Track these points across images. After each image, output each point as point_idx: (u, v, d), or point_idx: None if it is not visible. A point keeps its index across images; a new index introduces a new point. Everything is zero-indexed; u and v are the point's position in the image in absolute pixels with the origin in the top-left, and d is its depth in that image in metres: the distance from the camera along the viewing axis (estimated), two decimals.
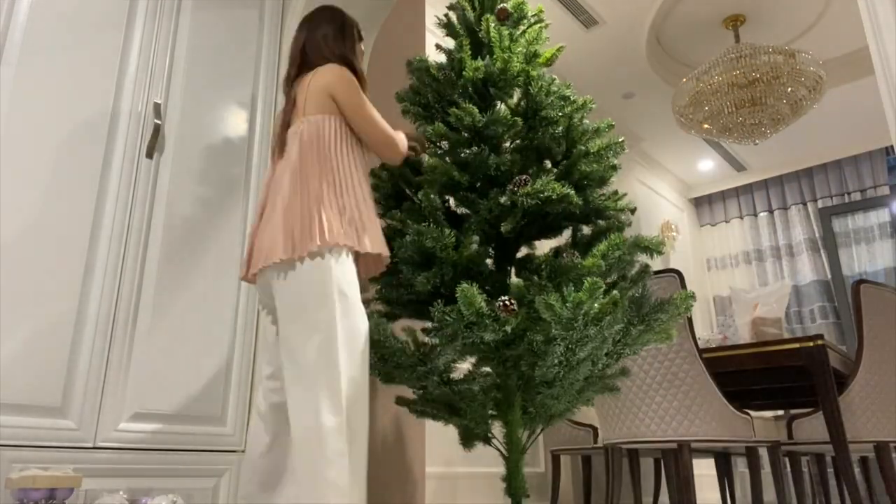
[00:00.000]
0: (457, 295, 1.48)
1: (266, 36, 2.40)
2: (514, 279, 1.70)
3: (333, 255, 1.49)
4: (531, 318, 1.52)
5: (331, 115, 1.64)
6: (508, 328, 1.49)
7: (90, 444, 1.68)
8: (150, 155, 1.96)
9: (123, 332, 1.80)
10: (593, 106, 1.87)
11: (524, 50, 1.87)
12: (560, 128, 1.78)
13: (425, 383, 1.68)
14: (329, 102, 1.65)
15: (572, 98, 1.85)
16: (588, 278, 1.44)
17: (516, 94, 1.86)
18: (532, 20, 1.97)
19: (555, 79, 1.87)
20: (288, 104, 1.71)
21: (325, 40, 1.75)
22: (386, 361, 1.63)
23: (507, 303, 1.49)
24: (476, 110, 1.70)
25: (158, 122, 1.99)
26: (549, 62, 1.96)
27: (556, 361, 1.52)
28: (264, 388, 1.66)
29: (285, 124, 1.69)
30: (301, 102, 1.66)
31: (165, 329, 1.89)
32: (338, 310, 1.46)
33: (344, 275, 1.50)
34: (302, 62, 1.76)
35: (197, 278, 1.99)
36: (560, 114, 1.79)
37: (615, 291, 1.47)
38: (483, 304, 1.48)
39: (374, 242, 1.58)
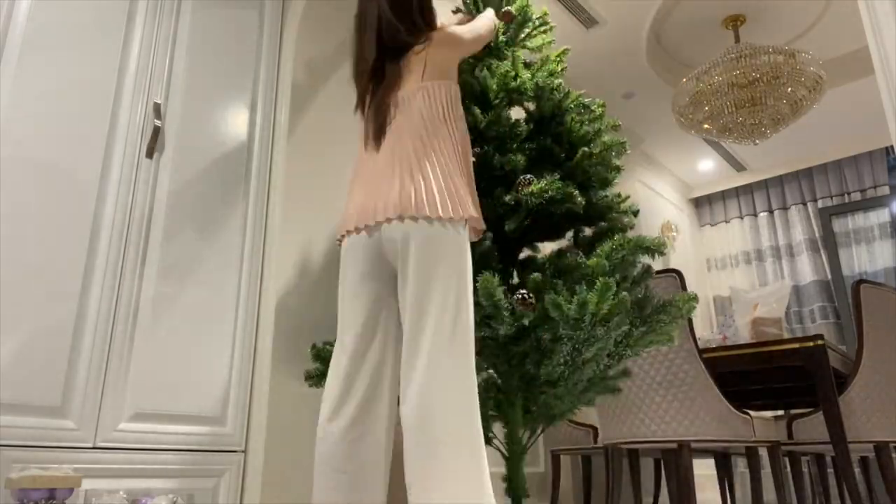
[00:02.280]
0: (477, 285, 1.45)
1: (266, 36, 2.40)
2: (533, 274, 1.69)
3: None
4: (540, 315, 1.52)
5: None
6: (526, 321, 1.47)
7: (90, 444, 1.68)
8: (150, 155, 1.96)
9: (123, 331, 1.80)
10: (602, 109, 1.88)
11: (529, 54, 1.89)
12: (563, 129, 1.79)
13: None
14: None
15: (592, 107, 1.86)
16: (601, 279, 1.43)
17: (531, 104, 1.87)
18: (537, 23, 1.97)
19: (569, 90, 1.88)
20: None
21: None
22: None
23: (525, 296, 1.46)
24: (478, 111, 1.71)
25: (158, 122, 1.98)
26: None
27: (561, 361, 1.51)
28: None
29: None
30: None
31: (165, 329, 1.88)
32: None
33: None
34: None
35: (197, 278, 1.99)
36: (579, 120, 1.80)
37: (624, 293, 1.47)
38: (502, 295, 1.45)
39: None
